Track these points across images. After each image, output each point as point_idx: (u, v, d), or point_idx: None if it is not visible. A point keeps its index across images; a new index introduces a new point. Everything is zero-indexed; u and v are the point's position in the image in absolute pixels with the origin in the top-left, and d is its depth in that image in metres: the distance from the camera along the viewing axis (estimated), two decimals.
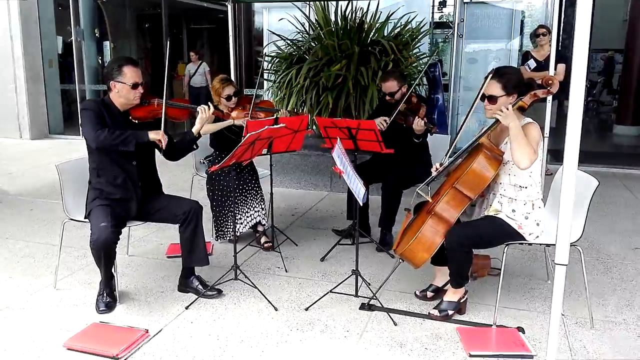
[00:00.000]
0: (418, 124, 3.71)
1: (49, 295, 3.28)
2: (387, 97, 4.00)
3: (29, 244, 4.19)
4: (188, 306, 3.11)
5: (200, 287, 3.25)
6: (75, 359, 2.59)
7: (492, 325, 2.87)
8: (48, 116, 9.61)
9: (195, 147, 3.33)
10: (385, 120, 3.86)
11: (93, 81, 9.68)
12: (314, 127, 5.50)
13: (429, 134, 3.91)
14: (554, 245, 2.01)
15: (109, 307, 3.08)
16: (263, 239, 4.04)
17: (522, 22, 8.05)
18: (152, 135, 3.01)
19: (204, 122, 3.23)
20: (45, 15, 9.40)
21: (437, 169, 2.99)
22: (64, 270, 3.62)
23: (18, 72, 9.10)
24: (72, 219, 3.27)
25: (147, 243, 4.20)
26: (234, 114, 4.02)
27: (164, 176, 3.43)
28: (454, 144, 3.02)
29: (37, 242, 4.24)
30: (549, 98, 4.22)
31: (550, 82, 2.72)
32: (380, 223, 4.06)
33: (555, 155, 6.26)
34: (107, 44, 10.78)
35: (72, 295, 3.28)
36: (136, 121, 3.14)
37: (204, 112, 3.21)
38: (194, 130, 3.23)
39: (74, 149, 8.04)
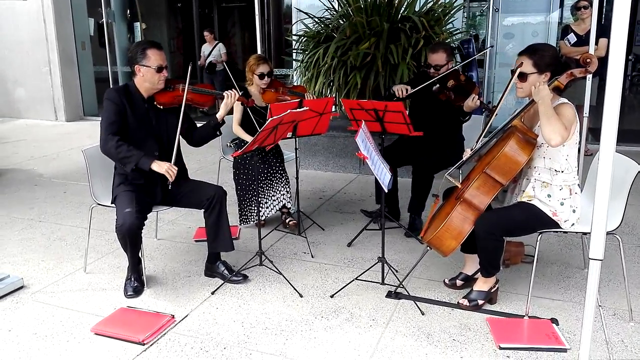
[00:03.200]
0: (473, 101, 3.53)
1: (78, 279, 3.33)
2: (432, 70, 3.79)
3: (61, 227, 4.27)
4: (214, 291, 3.11)
5: (226, 272, 3.25)
6: (103, 344, 2.62)
7: (524, 316, 2.76)
8: (82, 98, 9.78)
9: (219, 133, 3.29)
10: (406, 89, 3.70)
11: (125, 63, 9.78)
12: (341, 109, 5.39)
13: (482, 114, 3.75)
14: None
15: (137, 291, 3.11)
16: (289, 219, 4.01)
17: None
18: (156, 167, 2.91)
19: (228, 108, 3.19)
20: None
21: (469, 153, 2.87)
22: (94, 253, 3.68)
23: (52, 55, 9.26)
24: (99, 204, 3.29)
25: (175, 226, 4.22)
26: (265, 95, 3.99)
27: (192, 159, 3.41)
28: (489, 124, 2.89)
29: (69, 225, 4.31)
30: (589, 75, 4.01)
31: (588, 60, 2.55)
32: (410, 208, 3.96)
33: (596, 134, 5.99)
34: (137, 25, 10.82)
35: (101, 279, 3.32)
36: (161, 107, 3.11)
37: (229, 97, 3.17)
38: (218, 116, 3.21)
39: None
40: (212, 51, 9.79)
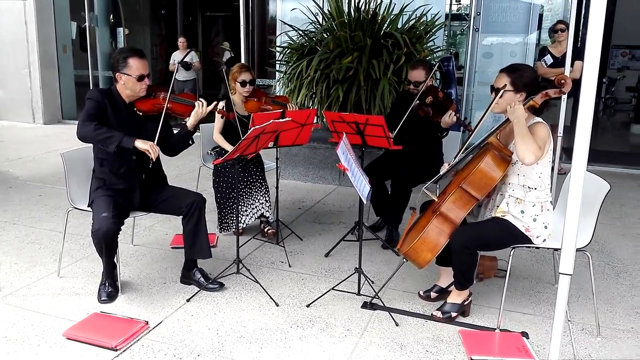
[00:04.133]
0: (450, 117, 3.61)
1: (52, 283, 3.28)
2: (411, 87, 3.89)
3: (35, 230, 4.21)
4: (189, 299, 3.10)
5: (202, 279, 3.24)
6: (75, 349, 2.59)
7: (495, 329, 2.81)
8: (61, 101, 9.67)
9: (191, 142, 3.24)
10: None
11: (106, 67, 9.70)
12: (323, 121, 5.44)
13: (459, 130, 3.83)
14: None
15: (111, 297, 3.08)
16: (267, 228, 4.02)
17: (540, 16, 7.88)
18: (139, 143, 2.86)
19: (198, 118, 3.13)
20: (59, 0, 9.41)
21: (446, 167, 2.93)
22: (68, 258, 3.63)
23: (32, 57, 9.14)
24: (76, 208, 3.26)
25: (152, 233, 4.20)
26: (248, 104, 4.01)
27: (171, 166, 3.40)
28: (469, 140, 2.95)
29: (43, 228, 4.25)
30: (564, 96, 4.13)
31: (562, 81, 2.64)
32: (388, 220, 4.01)
33: (569, 153, 6.14)
34: (120, 30, 10.77)
35: (74, 284, 3.28)
36: (140, 113, 3.10)
37: (199, 106, 3.11)
38: (188, 125, 3.14)
39: None
40: (184, 59, 9.26)
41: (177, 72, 8.67)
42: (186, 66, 9.31)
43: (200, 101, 3.15)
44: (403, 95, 4.16)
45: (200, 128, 3.89)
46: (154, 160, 2.92)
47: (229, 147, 3.97)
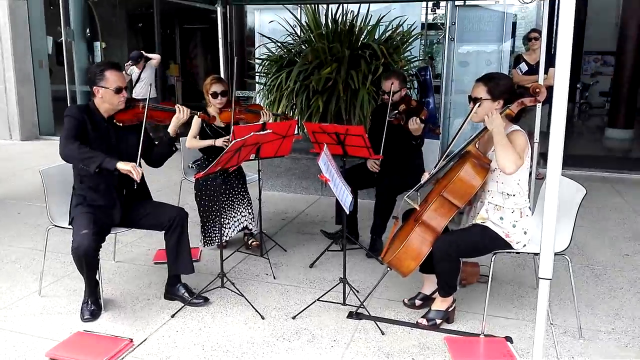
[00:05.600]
0: (414, 122, 3.68)
1: (33, 303, 3.23)
2: (385, 96, 3.95)
3: (15, 249, 4.14)
4: (174, 314, 3.08)
5: (186, 294, 3.22)
6: None
7: (480, 334, 2.85)
8: (38, 117, 9.53)
9: (175, 149, 3.29)
10: (376, 164, 3.86)
11: (84, 82, 9.61)
12: (304, 132, 5.47)
13: (425, 136, 3.90)
14: None
15: (94, 315, 3.04)
16: (251, 240, 4.02)
17: (514, 24, 8.04)
18: (121, 165, 2.82)
19: (179, 122, 3.17)
20: (35, 15, 9.32)
21: (427, 176, 2.97)
22: (50, 276, 3.58)
23: (7, 74, 9.02)
24: (56, 225, 3.22)
25: (134, 249, 4.16)
26: (222, 115, 4.00)
27: (152, 179, 3.39)
28: (448, 149, 3.00)
29: (23, 247, 4.18)
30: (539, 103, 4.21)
31: (537, 90, 2.71)
32: (372, 229, 4.04)
33: (547, 158, 6.26)
34: (98, 45, 10.69)
35: (56, 303, 3.23)
36: (120, 124, 3.09)
37: (180, 112, 3.16)
38: (170, 130, 3.19)
39: None
40: (142, 73, 7.85)
41: (133, 73, 7.78)
42: (137, 58, 7.76)
43: (180, 107, 3.17)
44: (380, 107, 4.22)
45: (180, 141, 3.87)
46: (138, 181, 2.89)
47: (206, 143, 3.98)
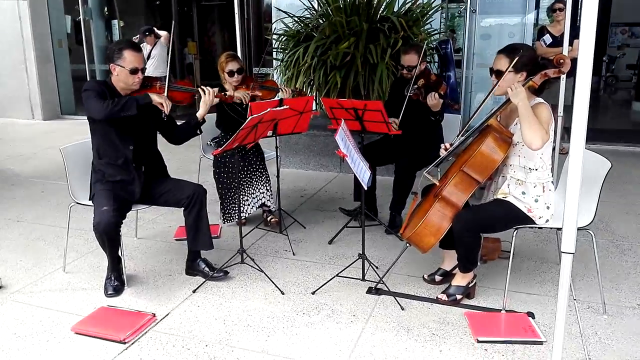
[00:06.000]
0: (432, 97, 3.62)
1: (58, 279, 3.30)
2: (405, 71, 3.89)
3: (39, 226, 4.22)
4: (195, 289, 3.11)
5: (207, 269, 3.25)
6: (83, 343, 2.61)
7: (501, 310, 2.83)
8: (59, 97, 9.64)
9: (199, 132, 3.30)
10: (395, 122, 3.78)
11: (102, 61, 9.65)
12: (321, 108, 5.42)
13: (445, 111, 3.83)
14: None
15: (117, 290, 3.10)
16: (270, 217, 4.03)
17: None
18: (155, 97, 2.96)
19: (208, 105, 3.19)
20: None
21: (446, 148, 2.91)
22: (73, 253, 3.65)
23: (28, 54, 9.10)
24: (78, 203, 3.26)
25: (156, 225, 4.20)
26: (237, 93, 3.97)
27: (172, 158, 3.40)
28: (469, 122, 2.95)
29: (47, 224, 4.26)
30: (563, 75, 4.10)
31: (561, 61, 2.62)
32: (391, 205, 4.01)
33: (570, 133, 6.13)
34: (115, 23, 10.70)
35: (80, 279, 3.30)
36: None
37: (206, 94, 3.18)
38: (198, 114, 3.21)
39: (86, 130, 8.06)
40: (152, 50, 7.85)
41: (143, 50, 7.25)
42: (145, 32, 7.66)
43: (204, 89, 3.18)
44: (398, 80, 4.15)
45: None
46: (167, 113, 3.00)
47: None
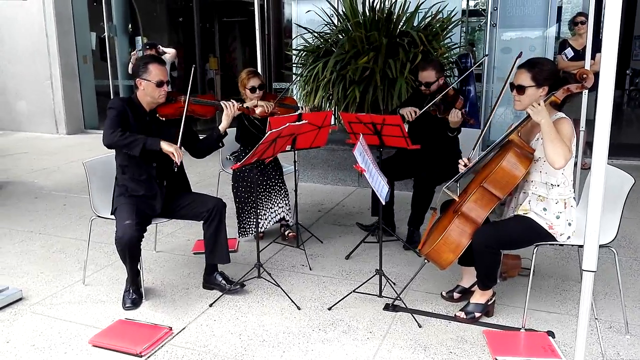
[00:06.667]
0: (455, 115, 3.60)
1: (77, 291, 3.34)
2: (423, 88, 3.88)
3: (61, 239, 4.28)
4: (212, 304, 3.12)
5: (224, 282, 3.26)
6: (100, 356, 2.63)
7: (520, 328, 2.77)
8: (83, 112, 9.84)
9: (221, 145, 3.34)
10: (414, 111, 3.74)
11: (126, 76, 9.84)
12: (340, 122, 5.43)
13: (465, 128, 3.80)
14: None
15: (135, 303, 3.12)
16: (287, 231, 4.03)
17: (559, 8, 7.74)
18: (165, 146, 2.93)
19: (230, 119, 3.25)
20: (79, 11, 9.59)
21: (465, 164, 2.88)
22: (93, 265, 3.69)
23: (54, 69, 9.33)
24: (99, 216, 3.31)
25: (174, 239, 4.23)
26: (257, 109, 4.00)
27: (191, 172, 3.43)
28: (481, 136, 2.93)
29: (68, 237, 4.32)
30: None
31: (584, 76, 2.58)
32: (410, 221, 3.98)
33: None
34: (139, 39, 10.90)
35: (99, 291, 3.33)
36: (163, 119, 3.15)
37: (228, 108, 3.23)
38: (221, 127, 3.27)
39: None
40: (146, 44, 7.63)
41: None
42: (146, 46, 7.39)
43: (226, 103, 3.25)
44: (417, 93, 4.12)
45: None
46: (178, 164, 2.97)
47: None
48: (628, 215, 2.78)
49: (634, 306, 3.00)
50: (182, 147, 3.27)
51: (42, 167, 6.98)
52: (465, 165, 2.86)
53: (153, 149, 2.94)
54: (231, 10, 14.20)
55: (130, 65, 7.47)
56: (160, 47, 7.62)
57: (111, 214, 3.20)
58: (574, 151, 2.67)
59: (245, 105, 3.73)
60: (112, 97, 9.57)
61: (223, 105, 3.25)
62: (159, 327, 2.86)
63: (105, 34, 9.86)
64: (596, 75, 2.86)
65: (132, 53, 7.58)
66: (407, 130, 3.49)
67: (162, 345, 2.71)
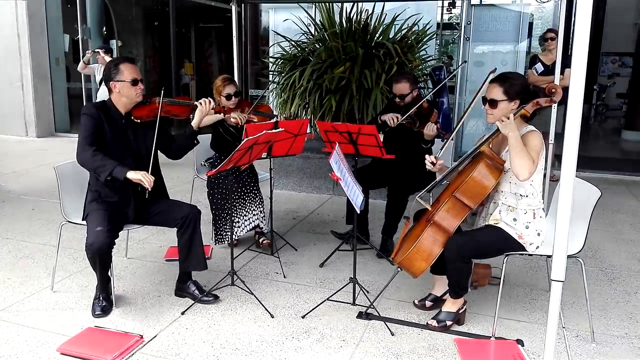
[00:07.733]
0: (430, 129, 3.66)
1: (45, 298, 3.26)
2: (397, 100, 3.93)
3: (29, 244, 4.19)
4: (184, 312, 3.09)
5: (196, 292, 3.23)
6: None
7: (490, 337, 2.82)
8: (54, 114, 9.65)
9: (196, 142, 3.33)
10: (397, 117, 3.78)
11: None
12: (316, 131, 5.46)
13: (438, 139, 3.86)
14: None
15: (105, 311, 3.06)
16: (262, 239, 4.02)
17: (530, 24, 7.95)
18: (131, 175, 2.84)
19: (203, 116, 3.26)
20: (52, 12, 9.42)
21: (432, 161, 2.92)
22: (62, 272, 3.61)
23: (25, 70, 9.13)
24: (69, 221, 3.25)
25: (146, 245, 4.18)
26: (234, 113, 3.99)
27: (165, 177, 3.39)
28: (449, 141, 3.03)
29: (37, 242, 4.23)
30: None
31: (553, 90, 2.66)
32: (383, 230, 4.02)
33: (561, 160, 6.18)
34: (114, 42, 10.78)
35: (68, 298, 3.26)
36: (138, 120, 3.12)
37: (204, 104, 3.24)
38: (193, 123, 3.27)
39: None
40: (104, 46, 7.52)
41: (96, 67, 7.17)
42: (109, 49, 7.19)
43: (201, 101, 3.25)
44: (391, 104, 4.18)
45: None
46: (149, 189, 2.87)
47: (217, 117, 3.86)
48: (594, 226, 2.87)
49: (599, 315, 3.08)
50: (158, 150, 3.25)
51: (10, 170, 6.81)
52: (432, 163, 2.90)
53: (118, 177, 2.86)
54: (208, 16, 14.15)
55: (81, 64, 7.23)
56: (101, 52, 7.04)
57: (82, 220, 3.15)
58: (542, 163, 2.74)
59: (222, 106, 3.73)
60: (84, 101, 9.45)
61: (198, 103, 3.24)
62: (130, 335, 2.81)
63: (79, 36, 9.72)
64: (565, 90, 2.96)
65: (88, 52, 7.29)
66: (382, 140, 3.53)
67: (133, 354, 2.66)
